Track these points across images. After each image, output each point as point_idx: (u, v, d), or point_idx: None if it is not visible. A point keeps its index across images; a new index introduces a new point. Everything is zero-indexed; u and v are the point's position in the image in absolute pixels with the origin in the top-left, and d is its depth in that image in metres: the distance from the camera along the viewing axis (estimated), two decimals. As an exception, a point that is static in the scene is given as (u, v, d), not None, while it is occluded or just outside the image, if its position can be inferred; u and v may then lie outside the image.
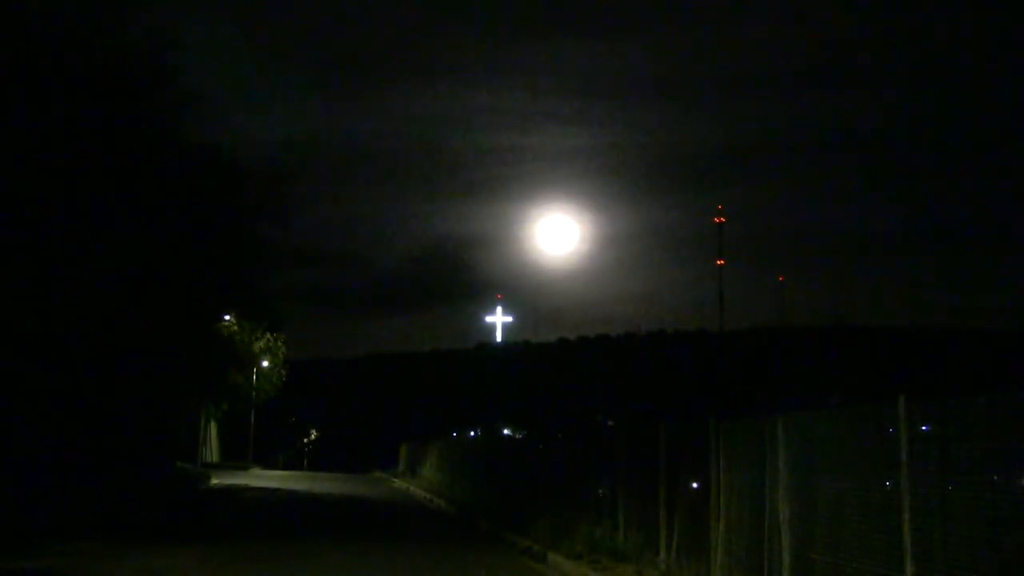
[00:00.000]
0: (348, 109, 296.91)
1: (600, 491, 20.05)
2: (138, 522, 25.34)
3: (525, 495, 25.81)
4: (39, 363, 27.06)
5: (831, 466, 11.65)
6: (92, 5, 27.91)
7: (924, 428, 10.14)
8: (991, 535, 8.94)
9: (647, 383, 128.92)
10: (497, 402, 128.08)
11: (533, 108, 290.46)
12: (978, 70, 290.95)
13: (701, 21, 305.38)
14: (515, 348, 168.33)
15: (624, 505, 18.30)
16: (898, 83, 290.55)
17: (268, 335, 63.33)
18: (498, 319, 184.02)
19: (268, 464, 79.67)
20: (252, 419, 71.71)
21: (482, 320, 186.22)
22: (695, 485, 15.38)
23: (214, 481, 45.75)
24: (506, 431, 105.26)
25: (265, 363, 65.72)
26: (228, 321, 53.80)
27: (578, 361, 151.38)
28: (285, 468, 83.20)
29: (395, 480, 57.53)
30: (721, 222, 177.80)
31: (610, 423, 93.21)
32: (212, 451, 70.53)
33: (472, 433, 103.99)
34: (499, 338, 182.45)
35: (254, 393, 65.66)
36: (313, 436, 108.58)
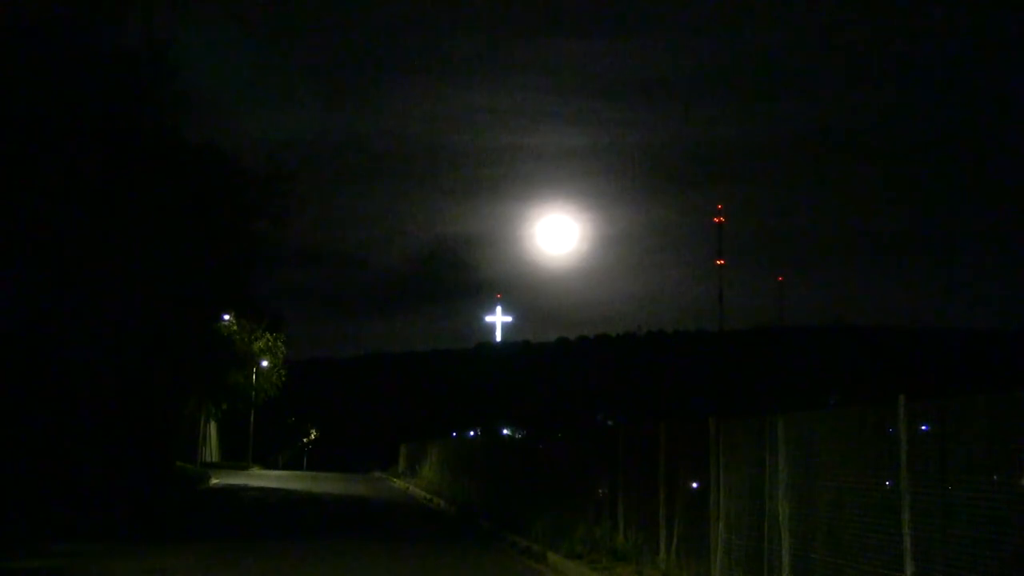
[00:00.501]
0: (348, 109, 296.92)
1: (600, 491, 20.03)
2: (138, 522, 25.32)
3: (525, 495, 25.78)
4: (36, 363, 27.04)
5: (831, 466, 11.64)
6: (92, 6, 27.90)
7: (924, 428, 10.14)
8: (991, 535, 8.94)
9: (647, 383, 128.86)
10: (497, 402, 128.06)
11: (533, 108, 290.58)
12: (979, 70, 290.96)
13: (701, 21, 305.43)
14: (515, 348, 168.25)
15: (624, 505, 18.29)
16: (899, 82, 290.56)
17: (268, 335, 63.27)
18: (498, 319, 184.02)
19: (268, 464, 79.62)
20: (252, 419, 71.67)
21: (482, 320, 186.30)
22: (695, 485, 15.37)
23: (214, 481, 45.74)
24: (506, 431, 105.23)
25: (265, 363, 65.67)
26: (228, 321, 53.77)
27: (578, 361, 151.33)
28: (285, 468, 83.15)
29: (395, 480, 57.51)
30: (721, 222, 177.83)
31: (610, 422, 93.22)
32: (212, 451, 70.48)
33: (472, 433, 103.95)
34: (499, 338, 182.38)
35: (254, 393, 65.61)
36: (313, 436, 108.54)
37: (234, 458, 72.65)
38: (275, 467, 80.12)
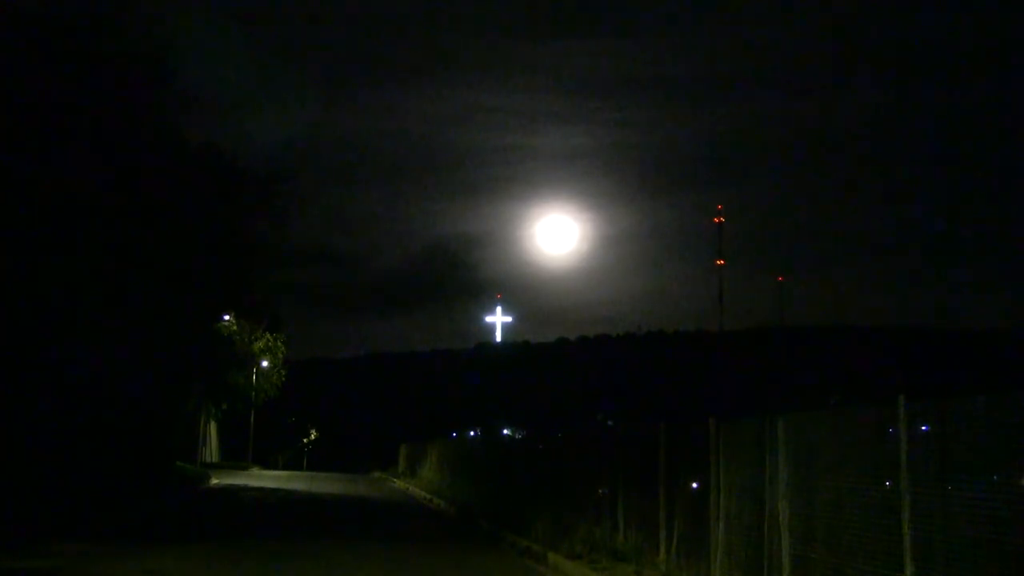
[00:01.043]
0: (348, 109, 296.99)
1: (600, 491, 20.03)
2: (137, 522, 25.32)
3: (525, 495, 25.78)
4: (36, 363, 27.03)
5: (831, 466, 11.65)
6: (91, 4, 27.89)
7: (924, 428, 10.14)
8: (991, 535, 8.94)
9: (647, 383, 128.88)
10: (497, 402, 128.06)
11: (533, 107, 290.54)
12: (984, 66, 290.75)
13: (702, 20, 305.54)
14: (515, 348, 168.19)
15: (624, 505, 18.29)
16: (899, 82, 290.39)
17: (268, 335, 63.27)
18: (498, 319, 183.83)
19: (268, 464, 79.59)
20: (252, 419, 71.67)
21: (482, 320, 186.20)
22: (695, 485, 15.38)
23: (214, 481, 45.73)
24: (506, 431, 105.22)
25: (265, 363, 65.67)
26: (227, 321, 53.75)
27: (577, 361, 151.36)
28: (285, 468, 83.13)
29: (395, 480, 57.50)
30: (721, 222, 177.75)
31: (610, 423, 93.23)
32: (212, 451, 70.47)
33: (472, 433, 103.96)
34: (499, 338, 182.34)
35: (253, 393, 65.60)
36: (313, 436, 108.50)
37: (234, 458, 72.63)
38: (275, 467, 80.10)
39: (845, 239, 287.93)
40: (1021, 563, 8.65)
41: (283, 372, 67.53)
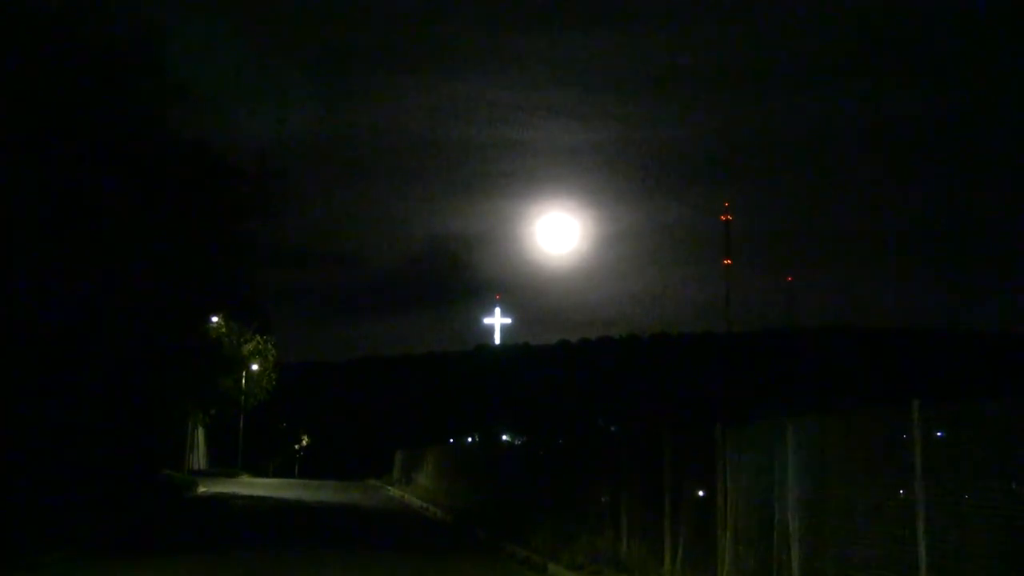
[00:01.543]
0: (343, 103, 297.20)
1: (602, 499, 20.01)
2: (122, 532, 25.29)
3: (524, 504, 25.77)
4: (15, 367, 26.95)
5: (842, 473, 11.61)
6: None
7: (939, 434, 10.10)
8: (1009, 546, 8.90)
9: (651, 387, 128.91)
10: (496, 407, 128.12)
11: (534, 102, 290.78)
12: (999, 63, 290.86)
13: (709, 13, 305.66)
14: (514, 351, 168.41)
15: (627, 514, 18.26)
16: (912, 80, 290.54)
17: (258, 337, 63.25)
18: (497, 321, 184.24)
19: (258, 471, 79.55)
20: (241, 425, 71.62)
21: (480, 322, 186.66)
22: (701, 493, 15.35)
23: (201, 489, 45.68)
24: (505, 437, 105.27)
25: (255, 366, 65.65)
26: (216, 323, 53.72)
27: (579, 364, 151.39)
28: (275, 476, 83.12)
29: (390, 488, 57.47)
30: (728, 220, 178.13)
31: (612, 428, 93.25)
32: (199, 458, 70.44)
33: (470, 439, 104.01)
34: (498, 340, 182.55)
35: (243, 398, 65.57)
36: (305, 442, 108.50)
37: (223, 465, 72.58)
38: (265, 475, 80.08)
39: (856, 238, 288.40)
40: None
41: (274, 376, 67.49)
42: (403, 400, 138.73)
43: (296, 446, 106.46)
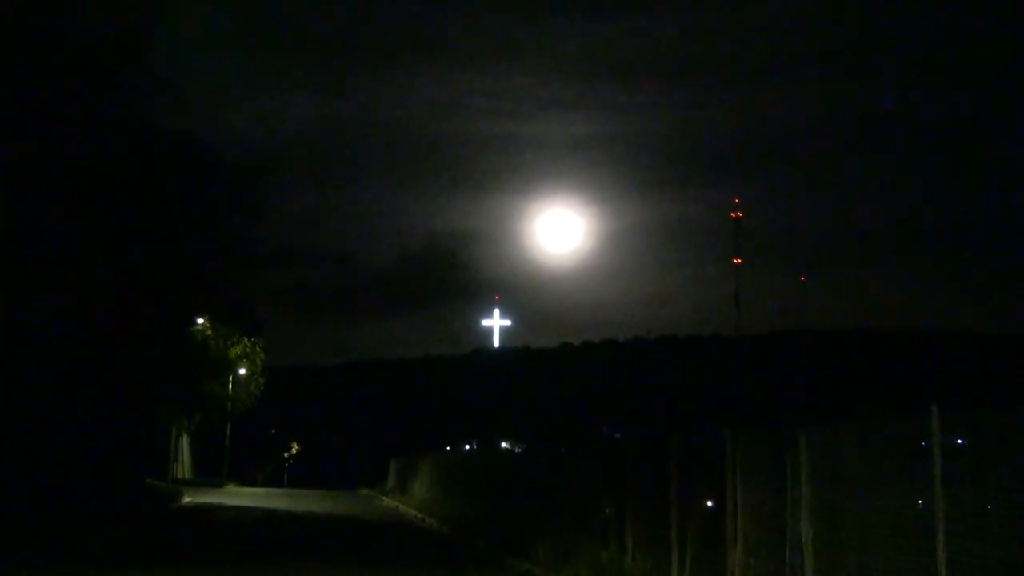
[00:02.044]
0: (335, 95, 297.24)
1: (606, 510, 20.01)
2: (103, 544, 25.26)
3: (525, 514, 25.77)
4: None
5: (858, 483, 11.60)
6: None
7: (959, 441, 10.09)
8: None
9: (657, 392, 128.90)
10: (495, 413, 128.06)
11: (533, 93, 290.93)
12: (1008, 65, 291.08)
13: (721, 0, 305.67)
14: (514, 354, 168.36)
15: (632, 525, 18.26)
16: (929, 70, 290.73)
17: (245, 340, 63.24)
18: (496, 323, 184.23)
19: (245, 481, 79.59)
20: (228, 432, 71.62)
21: (479, 323, 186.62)
22: (710, 503, 15.34)
23: (186, 499, 45.69)
24: (504, 444, 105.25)
25: (242, 371, 65.64)
26: (201, 324, 53.72)
27: (582, 368, 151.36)
28: (264, 485, 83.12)
29: (383, 498, 57.49)
30: (738, 217, 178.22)
31: (617, 435, 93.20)
32: (184, 467, 70.45)
33: (468, 447, 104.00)
34: (497, 343, 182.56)
35: (230, 403, 65.54)
36: (294, 450, 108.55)
37: (208, 475, 72.61)
38: (253, 484, 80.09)
39: (872, 237, 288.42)
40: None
41: (262, 380, 67.49)
42: (398, 406, 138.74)
43: (285, 454, 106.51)
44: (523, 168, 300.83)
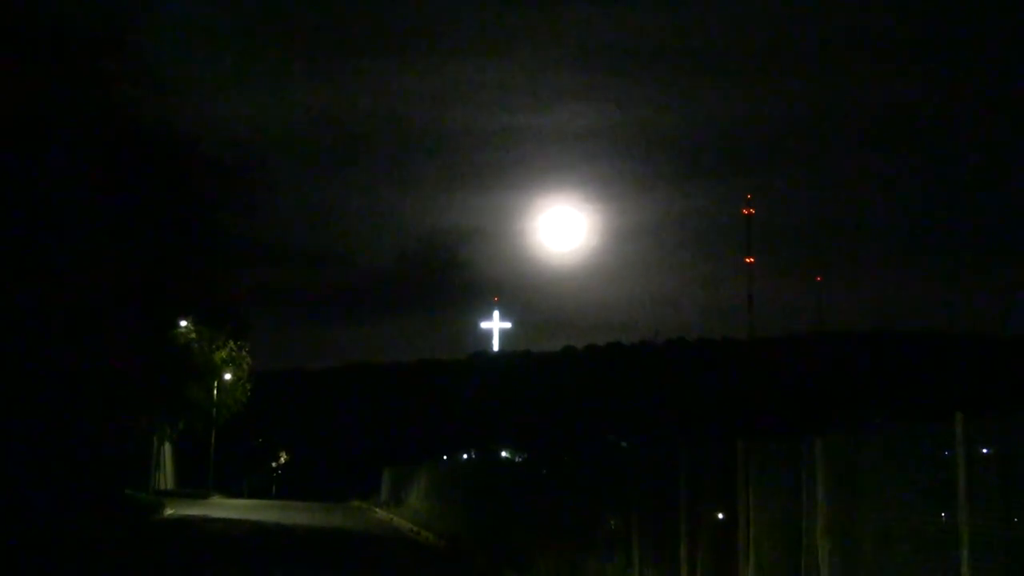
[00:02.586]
0: (328, 86, 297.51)
1: (612, 523, 19.99)
2: (79, 559, 25.23)
3: (526, 528, 25.77)
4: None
5: (877, 494, 11.57)
6: None
7: (985, 450, 10.05)
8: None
9: (665, 398, 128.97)
10: (494, 420, 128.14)
11: (535, 83, 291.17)
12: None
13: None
14: (514, 358, 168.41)
15: (639, 538, 18.25)
16: (948, 64, 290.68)
17: (231, 343, 63.29)
18: (495, 325, 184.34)
19: (231, 492, 79.66)
20: (213, 440, 71.66)
21: (477, 326, 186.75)
22: (721, 516, 15.32)
23: (168, 511, 45.69)
24: (504, 453, 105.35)
25: (228, 375, 65.69)
26: (185, 327, 53.76)
27: (586, 373, 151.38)
28: (251, 496, 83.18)
29: (377, 510, 57.49)
30: (750, 214, 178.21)
31: (623, 444, 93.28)
32: (166, 477, 70.48)
33: (465, 456, 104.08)
34: (496, 346, 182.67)
35: (215, 410, 65.61)
36: (283, 460, 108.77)
37: (192, 485, 72.69)
38: (239, 495, 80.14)
39: (891, 235, 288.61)
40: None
41: (249, 386, 67.55)
42: (392, 413, 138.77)
43: (273, 464, 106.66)
44: (524, 162, 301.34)
